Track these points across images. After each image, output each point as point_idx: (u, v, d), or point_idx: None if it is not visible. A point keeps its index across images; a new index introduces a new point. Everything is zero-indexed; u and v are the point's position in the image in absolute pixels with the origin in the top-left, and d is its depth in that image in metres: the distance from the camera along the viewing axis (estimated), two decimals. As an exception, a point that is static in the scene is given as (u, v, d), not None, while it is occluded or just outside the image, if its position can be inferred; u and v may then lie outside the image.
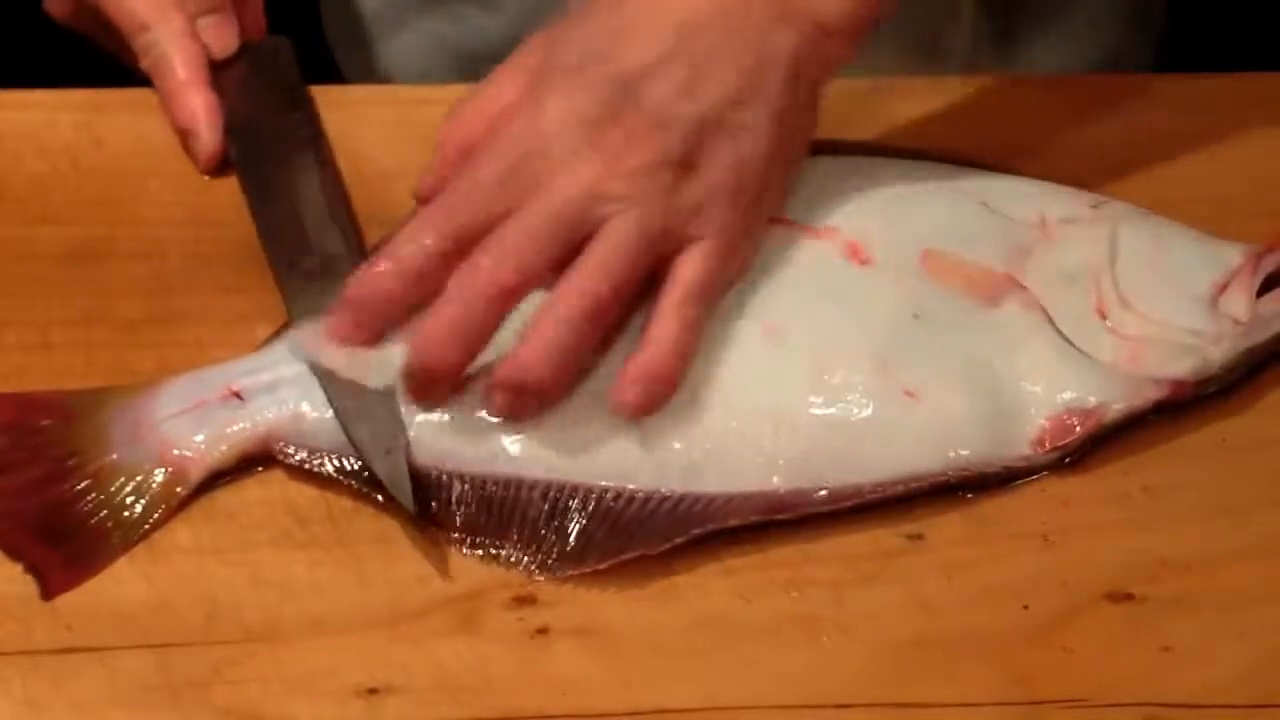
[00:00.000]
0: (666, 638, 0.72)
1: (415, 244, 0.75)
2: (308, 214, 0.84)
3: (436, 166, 0.80)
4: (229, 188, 0.86)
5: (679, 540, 0.74)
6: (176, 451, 0.75)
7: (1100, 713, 0.70)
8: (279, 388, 0.76)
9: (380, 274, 0.75)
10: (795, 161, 0.80)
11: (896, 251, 0.81)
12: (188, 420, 0.75)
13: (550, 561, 0.73)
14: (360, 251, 0.82)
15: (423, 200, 0.79)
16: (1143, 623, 0.73)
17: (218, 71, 0.90)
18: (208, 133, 0.87)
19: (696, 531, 0.74)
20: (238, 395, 0.76)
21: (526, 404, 0.75)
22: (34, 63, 0.94)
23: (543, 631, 0.72)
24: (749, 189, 0.78)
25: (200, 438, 0.75)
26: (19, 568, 0.72)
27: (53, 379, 0.78)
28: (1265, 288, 0.81)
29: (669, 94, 0.77)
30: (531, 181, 0.76)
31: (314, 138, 0.89)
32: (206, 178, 0.87)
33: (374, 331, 0.76)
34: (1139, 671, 0.71)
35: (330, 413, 0.76)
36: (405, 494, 0.73)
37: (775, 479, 0.76)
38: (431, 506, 0.74)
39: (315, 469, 0.75)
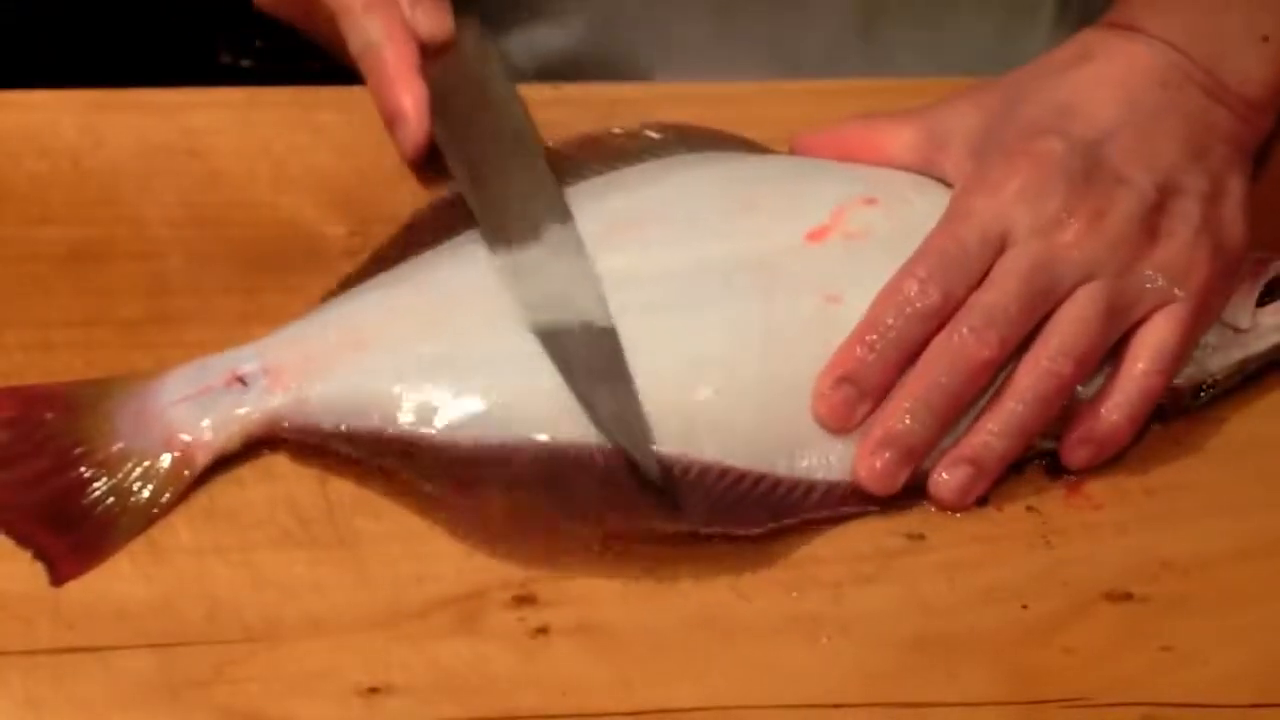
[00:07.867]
0: (666, 637, 0.72)
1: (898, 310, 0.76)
2: (517, 190, 0.83)
3: None
4: (229, 187, 0.86)
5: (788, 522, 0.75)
6: (182, 436, 0.75)
7: (1100, 713, 0.70)
8: (283, 372, 0.76)
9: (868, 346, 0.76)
10: (1243, 224, 0.81)
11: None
12: (192, 406, 0.75)
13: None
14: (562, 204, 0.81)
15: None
16: (1143, 623, 0.73)
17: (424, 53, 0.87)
18: (416, 123, 0.85)
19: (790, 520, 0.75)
20: (241, 380, 0.76)
21: (980, 484, 0.76)
22: (34, 63, 0.94)
23: (543, 631, 0.72)
24: (1217, 247, 0.79)
25: (206, 422, 0.75)
26: (20, 566, 0.72)
27: (53, 379, 0.78)
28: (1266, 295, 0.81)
29: (1128, 158, 0.78)
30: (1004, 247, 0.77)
31: (515, 111, 0.87)
32: (206, 178, 0.87)
33: (877, 402, 0.76)
34: (1139, 671, 0.72)
35: (332, 392, 0.76)
36: (651, 463, 0.74)
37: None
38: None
39: (319, 452, 0.75)
